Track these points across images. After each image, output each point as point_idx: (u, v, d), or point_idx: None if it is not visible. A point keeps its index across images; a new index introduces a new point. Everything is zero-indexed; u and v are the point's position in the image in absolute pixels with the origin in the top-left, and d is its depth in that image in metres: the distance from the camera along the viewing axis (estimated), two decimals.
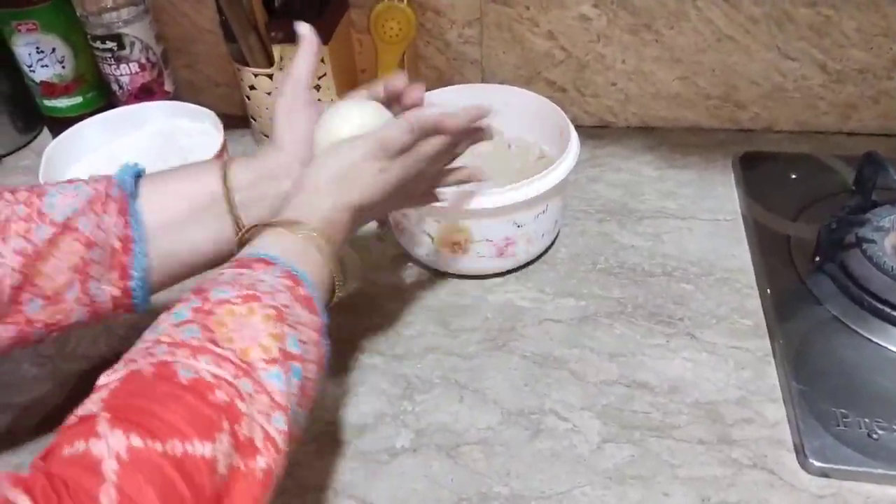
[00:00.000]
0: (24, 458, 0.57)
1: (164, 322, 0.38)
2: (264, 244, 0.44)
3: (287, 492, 0.53)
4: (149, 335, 0.38)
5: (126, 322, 0.67)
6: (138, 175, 0.51)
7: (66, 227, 0.46)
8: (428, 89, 0.75)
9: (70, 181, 0.50)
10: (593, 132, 0.87)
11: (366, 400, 0.59)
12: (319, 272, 0.44)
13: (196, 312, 0.37)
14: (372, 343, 0.64)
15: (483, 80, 0.88)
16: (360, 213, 0.49)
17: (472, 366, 0.62)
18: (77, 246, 0.46)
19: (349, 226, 0.48)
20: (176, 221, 0.50)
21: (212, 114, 0.79)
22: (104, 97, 0.89)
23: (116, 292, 0.49)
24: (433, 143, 0.51)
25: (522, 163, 0.74)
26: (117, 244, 0.48)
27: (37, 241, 0.46)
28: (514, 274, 0.70)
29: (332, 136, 0.50)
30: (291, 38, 0.77)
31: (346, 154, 0.48)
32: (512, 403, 0.58)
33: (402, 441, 0.56)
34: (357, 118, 0.51)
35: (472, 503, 0.52)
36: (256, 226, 0.46)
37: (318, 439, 0.57)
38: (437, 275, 0.70)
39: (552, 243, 0.72)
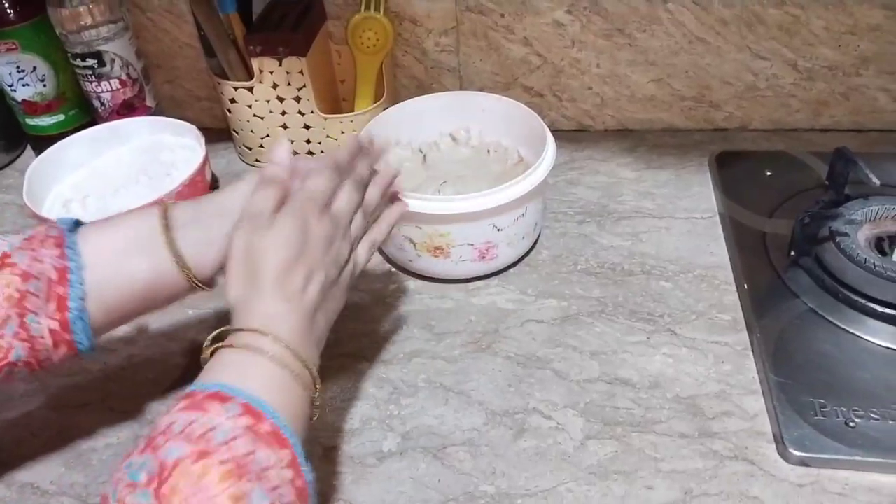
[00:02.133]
0: (12, 474, 0.57)
1: (120, 479, 0.35)
2: (221, 370, 0.41)
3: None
4: (106, 490, 0.36)
5: (112, 334, 0.67)
6: (78, 223, 0.50)
7: (1, 262, 0.45)
8: (407, 98, 0.77)
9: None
10: (572, 136, 0.89)
11: (352, 405, 0.60)
12: (287, 390, 0.42)
13: (150, 478, 0.35)
14: (358, 348, 0.65)
15: (461, 88, 0.89)
16: (295, 295, 0.44)
17: (456, 369, 0.62)
18: (13, 278, 0.45)
19: (303, 322, 0.44)
20: (112, 251, 0.48)
21: (193, 128, 0.80)
22: (86, 114, 0.90)
23: (55, 325, 0.46)
24: (315, 182, 0.47)
25: (501, 167, 0.76)
26: (54, 275, 0.46)
27: None
28: (497, 277, 0.71)
29: None
30: (270, 51, 0.78)
31: (237, 240, 0.45)
32: (496, 404, 0.59)
33: (388, 444, 0.57)
34: None
35: (458, 503, 0.52)
36: (216, 339, 0.43)
37: (305, 443, 0.56)
38: (421, 279, 0.71)
39: (533, 245, 0.73)
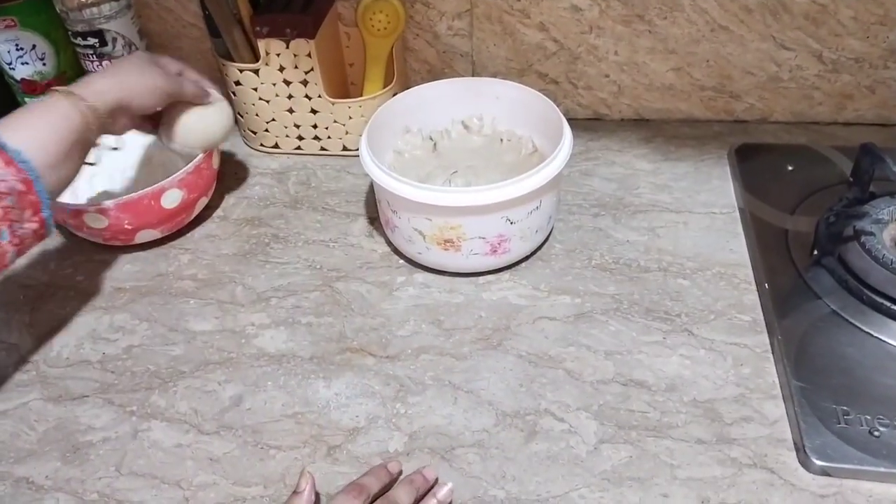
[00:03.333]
0: (7, 468, 0.55)
1: None
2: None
3: (279, 498, 0.52)
4: None
5: (112, 324, 0.66)
6: None
7: None
8: (418, 83, 0.75)
9: None
10: (587, 125, 0.86)
11: (358, 402, 0.58)
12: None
13: None
14: (363, 344, 0.63)
15: (474, 73, 0.87)
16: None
17: (466, 366, 0.60)
18: None
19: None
20: (57, 156, 0.55)
21: None
22: None
23: (35, 226, 0.55)
24: None
25: (515, 157, 0.73)
26: (21, 186, 0.52)
27: None
28: (508, 271, 0.68)
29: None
30: (277, 32, 0.76)
31: None
32: (507, 404, 0.57)
33: (395, 444, 0.55)
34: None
35: None
36: None
37: (309, 443, 0.55)
38: (430, 273, 0.69)
39: (546, 239, 0.70)
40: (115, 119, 0.61)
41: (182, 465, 0.55)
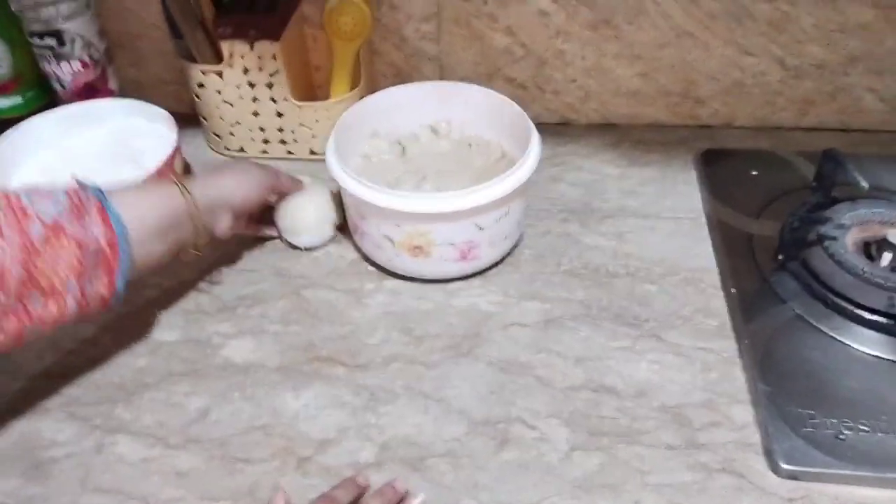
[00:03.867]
0: None
1: None
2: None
3: None
4: None
5: (75, 335, 0.64)
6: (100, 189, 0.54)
7: (56, 226, 0.48)
8: (385, 86, 0.74)
9: (28, 188, 0.50)
10: (555, 130, 0.86)
11: (327, 413, 0.57)
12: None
13: None
14: (333, 353, 0.62)
15: (441, 77, 0.86)
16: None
17: (436, 374, 0.60)
18: (71, 245, 0.49)
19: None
20: (149, 230, 0.55)
21: (166, 114, 0.76)
22: (45, 96, 0.85)
23: (104, 292, 0.52)
24: None
25: (483, 162, 0.73)
26: (105, 248, 0.51)
27: (34, 236, 0.47)
28: (478, 277, 0.68)
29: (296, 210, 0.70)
30: (240, 34, 0.74)
31: None
32: (478, 412, 0.57)
33: (366, 455, 0.54)
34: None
35: None
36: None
37: (278, 455, 0.54)
38: (400, 279, 0.68)
39: (515, 245, 0.70)
40: (215, 215, 0.61)
41: (148, 479, 0.54)
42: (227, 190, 0.62)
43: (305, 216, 0.70)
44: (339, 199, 0.71)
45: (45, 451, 0.56)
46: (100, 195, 0.52)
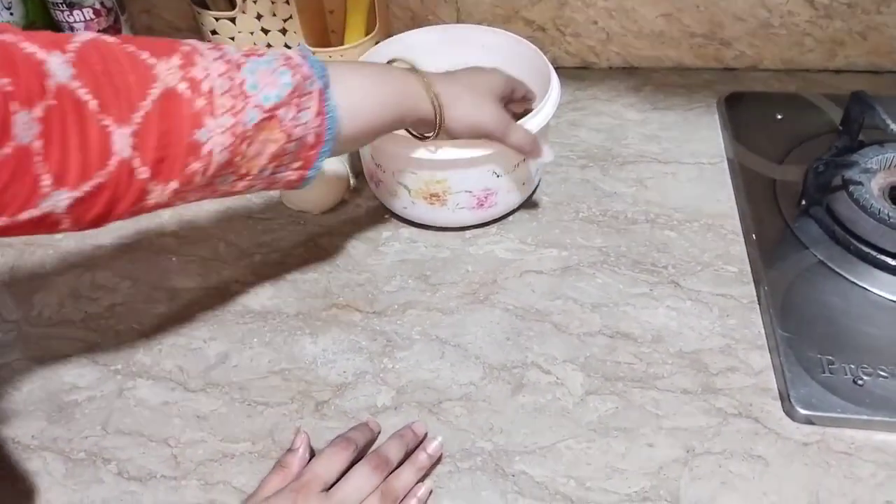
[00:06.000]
0: None
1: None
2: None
3: (268, 454, 0.52)
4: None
5: (94, 283, 0.65)
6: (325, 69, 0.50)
7: (271, 115, 0.46)
8: (401, 30, 0.73)
9: (256, 53, 0.47)
10: (575, 73, 0.84)
11: (345, 358, 0.58)
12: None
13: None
14: (350, 300, 0.62)
15: (458, 20, 0.84)
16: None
17: (452, 321, 0.60)
18: (279, 135, 0.47)
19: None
20: (357, 137, 0.52)
21: None
22: None
23: (294, 176, 0.51)
24: (317, 463, 0.48)
25: None
26: (311, 139, 0.49)
27: (246, 122, 0.45)
28: (495, 225, 0.68)
29: None
30: None
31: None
32: (494, 358, 0.57)
33: (382, 399, 0.55)
34: None
35: (455, 459, 0.51)
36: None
37: (297, 398, 0.55)
38: (416, 227, 0.68)
39: (533, 191, 0.69)
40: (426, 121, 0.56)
41: (169, 422, 0.55)
42: (453, 106, 0.55)
43: (311, 189, 0.67)
44: (350, 165, 0.70)
45: (67, 395, 0.57)
46: (324, 83, 0.48)
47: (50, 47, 0.40)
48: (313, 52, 0.51)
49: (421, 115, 0.54)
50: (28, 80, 0.38)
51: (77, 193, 0.40)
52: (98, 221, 0.43)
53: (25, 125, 0.37)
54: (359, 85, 0.51)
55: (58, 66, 0.39)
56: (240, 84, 0.45)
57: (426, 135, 0.57)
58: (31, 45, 0.39)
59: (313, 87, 0.48)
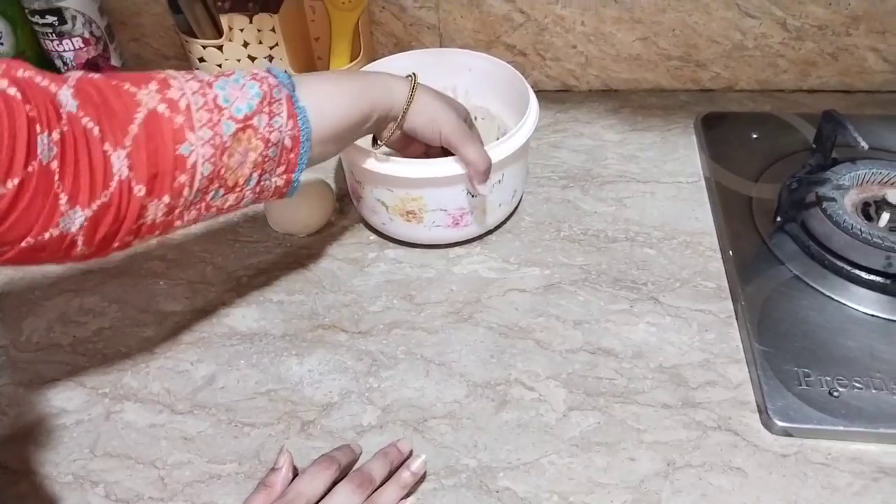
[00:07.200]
0: None
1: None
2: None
3: (255, 474, 0.52)
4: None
5: (82, 307, 0.65)
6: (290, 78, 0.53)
7: (246, 125, 0.49)
8: (385, 55, 0.74)
9: (224, 74, 0.51)
10: (556, 96, 0.86)
11: (331, 378, 0.59)
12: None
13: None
14: (336, 320, 0.63)
15: (441, 46, 0.86)
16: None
17: (437, 339, 0.61)
18: (257, 142, 0.49)
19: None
20: (333, 135, 0.54)
21: None
22: None
23: (281, 182, 0.53)
24: (299, 483, 0.48)
25: (485, 135, 0.73)
26: (289, 143, 0.51)
27: (223, 134, 0.48)
28: (479, 244, 0.69)
29: None
30: (239, 7, 0.74)
31: None
32: (478, 375, 0.58)
33: (368, 418, 0.56)
34: None
35: (439, 477, 0.52)
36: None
37: (283, 419, 0.56)
38: (401, 248, 0.69)
39: (514, 211, 0.71)
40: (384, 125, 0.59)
41: (156, 444, 0.55)
42: (438, 110, 0.59)
43: (298, 212, 0.69)
44: (337, 188, 0.71)
45: (55, 419, 0.57)
46: (290, 88, 0.51)
47: (59, 82, 0.44)
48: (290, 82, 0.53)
49: (390, 103, 0.57)
50: (46, 107, 0.42)
51: (89, 212, 0.44)
52: (106, 242, 0.47)
53: (46, 147, 0.41)
54: (323, 84, 0.54)
55: (66, 98, 0.44)
56: (213, 99, 0.48)
57: (385, 133, 0.59)
58: (44, 80, 0.43)
59: (281, 94, 0.51)
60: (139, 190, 0.46)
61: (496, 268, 0.67)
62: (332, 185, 0.74)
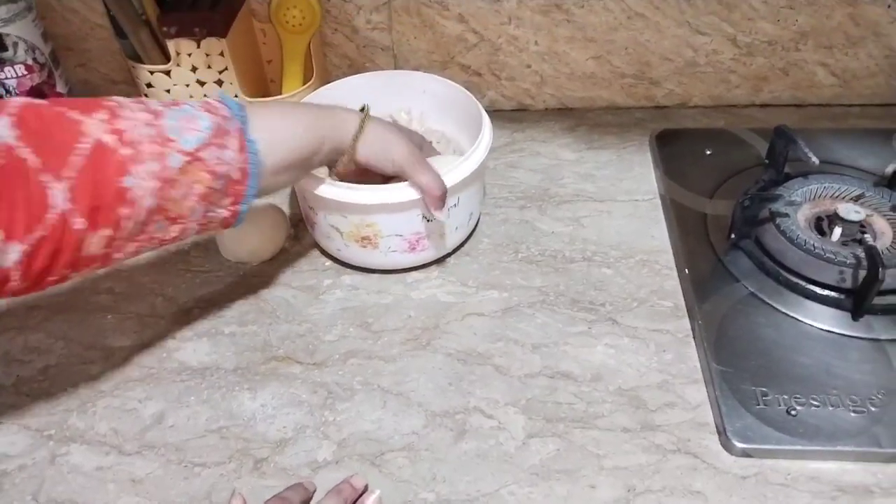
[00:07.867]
0: None
1: None
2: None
3: None
4: None
5: (26, 345, 0.63)
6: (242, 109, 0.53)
7: (194, 157, 0.48)
8: (339, 78, 0.73)
9: (175, 103, 0.50)
10: (512, 115, 0.86)
11: (284, 412, 0.57)
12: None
13: None
14: (290, 351, 0.61)
15: (396, 67, 0.86)
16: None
17: (395, 368, 0.60)
18: (203, 175, 0.48)
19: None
20: (283, 167, 0.54)
21: None
22: None
23: (226, 213, 0.52)
24: None
25: (441, 159, 0.72)
26: (236, 175, 0.50)
27: (171, 166, 0.47)
28: (437, 267, 0.68)
29: None
30: (186, 32, 0.73)
31: None
32: (436, 405, 0.57)
33: (323, 454, 0.54)
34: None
35: None
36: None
37: (235, 457, 0.54)
38: (358, 273, 0.68)
39: (472, 233, 0.70)
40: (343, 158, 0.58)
41: (103, 488, 0.53)
42: (392, 141, 0.58)
43: (250, 239, 0.68)
44: (291, 213, 0.70)
45: None
46: (242, 121, 0.51)
47: None
48: (249, 102, 0.52)
49: (341, 136, 0.57)
50: None
51: (26, 247, 0.43)
52: (42, 276, 0.45)
53: None
54: (275, 116, 0.54)
55: (3, 129, 0.43)
56: (162, 131, 0.47)
57: (338, 166, 0.58)
58: None
59: (232, 126, 0.50)
60: (79, 223, 0.45)
61: (455, 292, 0.66)
62: (287, 211, 0.72)
